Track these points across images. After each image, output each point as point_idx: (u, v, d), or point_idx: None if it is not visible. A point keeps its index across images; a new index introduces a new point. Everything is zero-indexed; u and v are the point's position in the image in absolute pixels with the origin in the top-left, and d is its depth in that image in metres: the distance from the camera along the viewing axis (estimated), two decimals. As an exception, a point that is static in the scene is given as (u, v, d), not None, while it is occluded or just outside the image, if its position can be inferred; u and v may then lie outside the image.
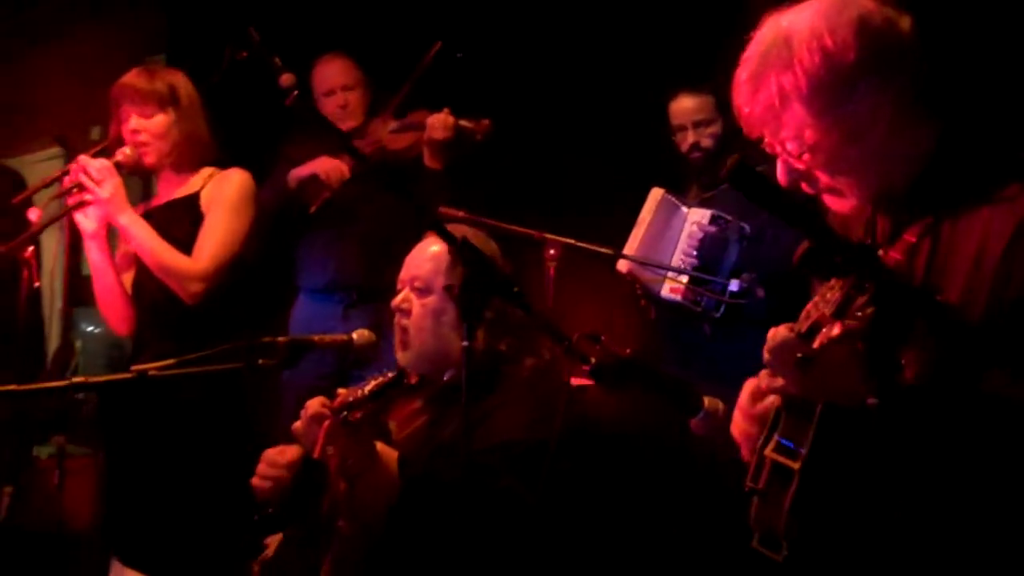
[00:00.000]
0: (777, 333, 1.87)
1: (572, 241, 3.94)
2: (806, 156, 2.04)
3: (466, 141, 4.48)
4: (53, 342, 4.00)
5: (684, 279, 4.17)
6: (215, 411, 3.68)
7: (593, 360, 2.20)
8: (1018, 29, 3.62)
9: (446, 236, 2.23)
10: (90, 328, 7.69)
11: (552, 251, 3.97)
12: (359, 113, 4.94)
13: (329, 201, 4.68)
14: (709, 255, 4.21)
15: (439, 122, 4.46)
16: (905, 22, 2.03)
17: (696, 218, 4.39)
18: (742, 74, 2.06)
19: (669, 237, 4.43)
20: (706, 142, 4.48)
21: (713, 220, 4.30)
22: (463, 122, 4.47)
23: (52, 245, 4.10)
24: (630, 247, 4.34)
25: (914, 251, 2.02)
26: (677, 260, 4.27)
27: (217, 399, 3.65)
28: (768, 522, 1.96)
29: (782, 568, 1.99)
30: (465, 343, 2.20)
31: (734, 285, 4.01)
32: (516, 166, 4.96)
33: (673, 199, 4.47)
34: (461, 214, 4.02)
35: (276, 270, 4.92)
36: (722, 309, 4.05)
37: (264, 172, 4.69)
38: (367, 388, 2.62)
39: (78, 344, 7.67)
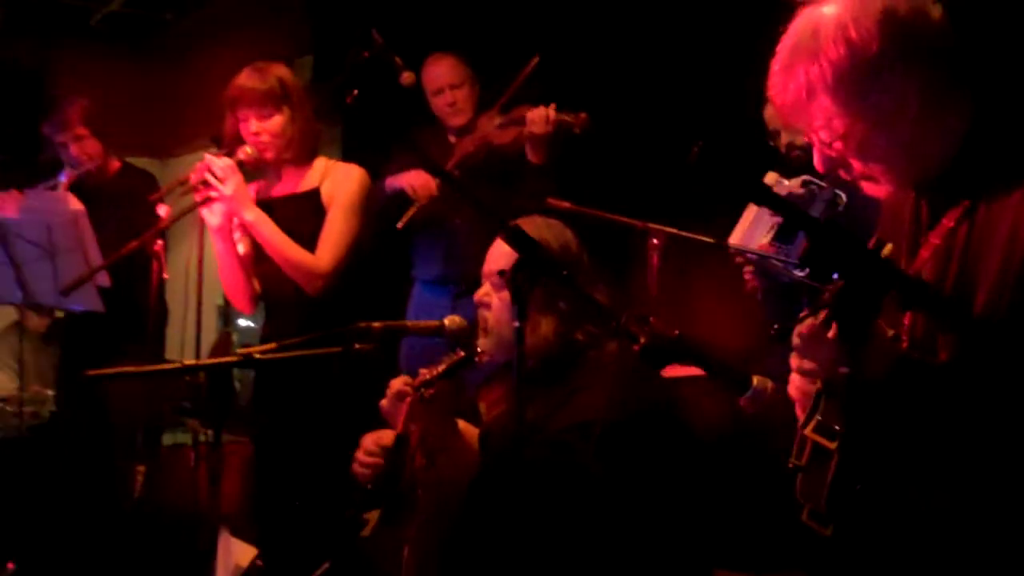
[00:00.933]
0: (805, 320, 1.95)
1: (675, 231, 4.02)
2: (837, 144, 2.09)
3: (565, 134, 4.56)
4: (187, 332, 4.26)
5: (765, 241, 4.10)
6: (342, 394, 3.86)
7: (642, 340, 2.29)
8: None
9: (501, 225, 2.35)
10: (245, 323, 8.08)
11: (655, 240, 4.05)
12: (468, 109, 5.05)
13: (415, 216, 4.79)
14: None
15: (539, 117, 4.55)
16: (935, 11, 2.05)
17: (788, 185, 4.37)
18: (775, 65, 2.11)
19: (761, 226, 4.43)
20: (801, 140, 4.47)
21: (804, 184, 4.28)
22: (562, 116, 4.55)
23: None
24: (735, 235, 4.37)
25: (952, 236, 2.06)
26: (764, 223, 4.23)
27: (344, 383, 3.83)
28: (813, 499, 2.04)
29: (831, 542, 2.06)
30: (516, 323, 2.31)
31: None
32: (627, 159, 5.01)
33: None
34: (567, 205, 4.15)
35: (396, 262, 5.13)
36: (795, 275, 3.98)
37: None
38: (440, 367, 2.76)
39: (235, 337, 8.09)
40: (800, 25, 2.09)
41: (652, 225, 4.07)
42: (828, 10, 2.06)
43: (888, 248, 1.86)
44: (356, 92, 2.70)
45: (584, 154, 4.68)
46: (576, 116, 4.54)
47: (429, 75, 5.08)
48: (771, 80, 2.13)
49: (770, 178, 4.45)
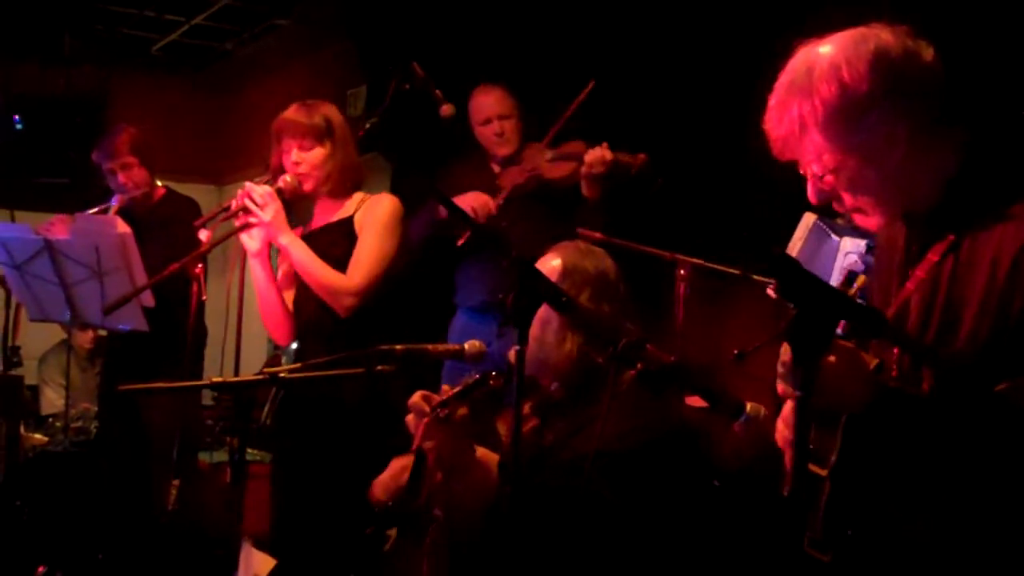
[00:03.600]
0: (786, 348, 2.02)
1: (701, 262, 4.08)
2: (828, 178, 2.17)
3: (621, 174, 4.61)
4: (228, 354, 4.39)
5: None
6: (370, 415, 3.95)
7: (640, 366, 2.37)
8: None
9: (506, 254, 2.44)
10: (296, 345, 8.22)
11: (683, 271, 4.12)
12: (515, 140, 5.14)
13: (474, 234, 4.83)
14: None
15: (596, 158, 4.61)
16: (927, 53, 2.13)
17: (850, 248, 4.39)
18: (772, 100, 2.20)
19: (821, 263, 4.43)
20: None
21: (870, 250, 4.30)
22: (619, 156, 4.61)
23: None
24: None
25: (937, 269, 2.13)
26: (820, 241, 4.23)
27: (372, 404, 3.92)
28: (810, 526, 2.11)
29: (831, 569, 2.12)
30: (517, 347, 2.39)
31: None
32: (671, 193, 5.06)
33: (824, 226, 4.48)
34: (598, 235, 4.23)
35: (436, 288, 5.25)
36: None
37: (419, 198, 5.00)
38: (456, 388, 2.84)
39: (284, 359, 8.23)
40: (796, 63, 2.18)
41: (680, 256, 4.13)
42: (824, 50, 2.14)
43: (860, 280, 1.93)
44: (368, 126, 2.81)
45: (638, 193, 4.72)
46: (634, 157, 4.59)
47: (478, 105, 5.18)
48: (767, 114, 2.21)
49: (808, 218, 4.49)
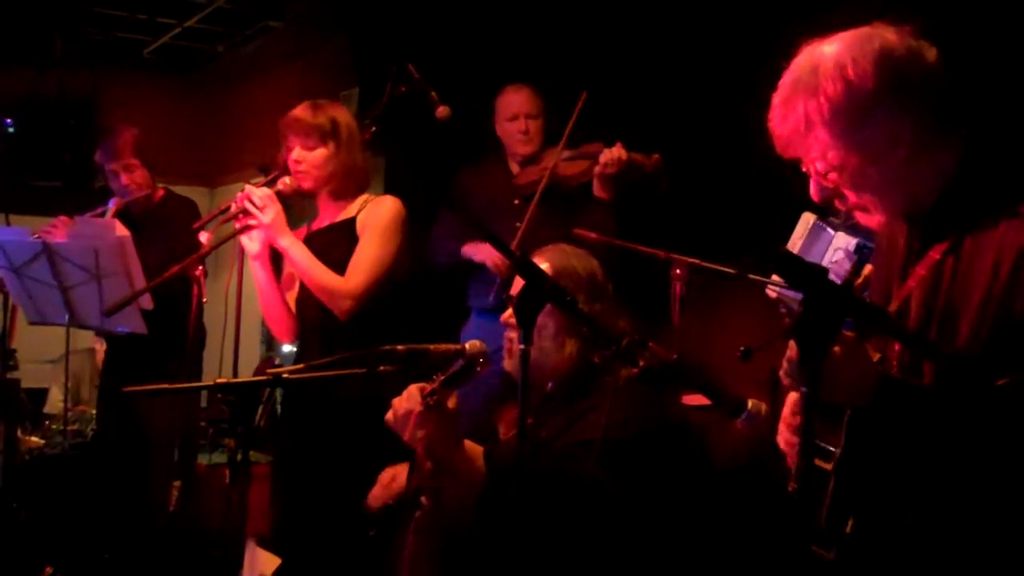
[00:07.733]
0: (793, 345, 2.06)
1: (697, 261, 4.10)
2: (832, 175, 2.20)
3: (635, 174, 4.69)
4: (226, 355, 4.40)
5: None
6: (370, 415, 3.96)
7: (642, 363, 2.40)
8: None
9: (506, 252, 2.47)
10: (288, 348, 8.25)
11: (678, 271, 4.15)
12: (537, 140, 5.21)
13: (505, 283, 4.87)
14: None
15: (611, 158, 4.69)
16: (930, 54, 2.16)
17: (841, 244, 4.41)
18: (776, 98, 2.22)
19: (813, 258, 4.45)
20: None
21: (857, 249, 4.33)
22: (634, 156, 4.67)
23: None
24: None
25: (939, 267, 2.16)
26: (823, 241, 4.25)
27: (372, 404, 3.93)
28: (814, 521, 2.14)
29: (835, 565, 2.15)
30: (522, 346, 2.42)
31: None
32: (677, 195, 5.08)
33: (822, 224, 4.51)
34: (593, 235, 4.26)
35: (451, 291, 5.34)
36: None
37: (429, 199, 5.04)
38: (444, 375, 2.88)
39: (278, 361, 8.26)
40: (802, 61, 2.21)
41: (675, 255, 4.15)
42: (828, 49, 2.17)
43: (867, 269, 1.96)
44: (374, 128, 2.82)
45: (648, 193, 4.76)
46: (648, 157, 4.66)
47: (507, 101, 5.25)
48: (772, 112, 2.24)
49: (807, 218, 4.51)
